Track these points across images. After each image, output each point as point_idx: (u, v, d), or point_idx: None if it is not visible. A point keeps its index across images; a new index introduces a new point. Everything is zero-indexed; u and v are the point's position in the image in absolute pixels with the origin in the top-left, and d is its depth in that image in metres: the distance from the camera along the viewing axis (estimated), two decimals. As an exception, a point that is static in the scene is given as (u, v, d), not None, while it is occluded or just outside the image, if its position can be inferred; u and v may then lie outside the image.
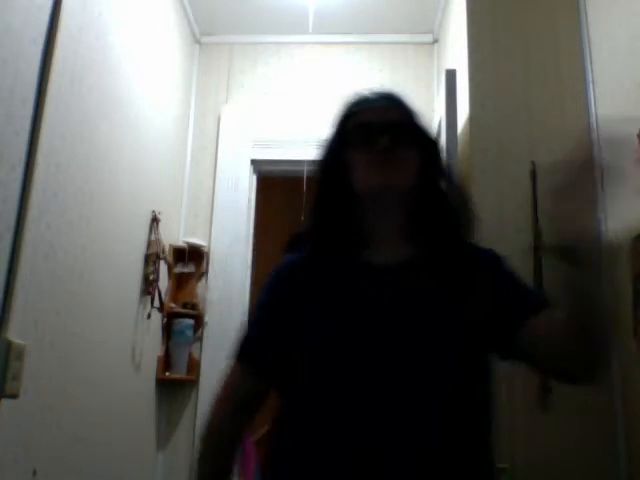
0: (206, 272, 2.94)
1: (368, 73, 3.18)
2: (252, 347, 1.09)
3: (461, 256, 1.06)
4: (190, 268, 2.89)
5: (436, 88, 3.05)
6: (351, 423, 0.92)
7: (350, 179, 1.05)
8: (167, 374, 2.74)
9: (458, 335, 0.96)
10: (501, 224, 2.13)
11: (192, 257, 2.89)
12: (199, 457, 1.07)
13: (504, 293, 1.01)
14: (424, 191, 1.06)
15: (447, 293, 1.00)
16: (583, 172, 0.87)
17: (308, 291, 1.03)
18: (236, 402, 1.08)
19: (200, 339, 2.86)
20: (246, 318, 1.13)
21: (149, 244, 2.52)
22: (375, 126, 1.04)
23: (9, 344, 1.41)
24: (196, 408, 2.79)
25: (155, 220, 2.56)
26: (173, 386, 2.80)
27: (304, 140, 3.03)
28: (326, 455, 0.92)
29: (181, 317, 2.80)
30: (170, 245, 2.83)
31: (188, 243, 2.90)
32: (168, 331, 2.78)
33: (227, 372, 1.10)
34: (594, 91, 2.22)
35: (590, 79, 2.24)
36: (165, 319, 2.76)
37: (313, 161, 1.15)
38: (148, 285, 2.49)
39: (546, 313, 0.97)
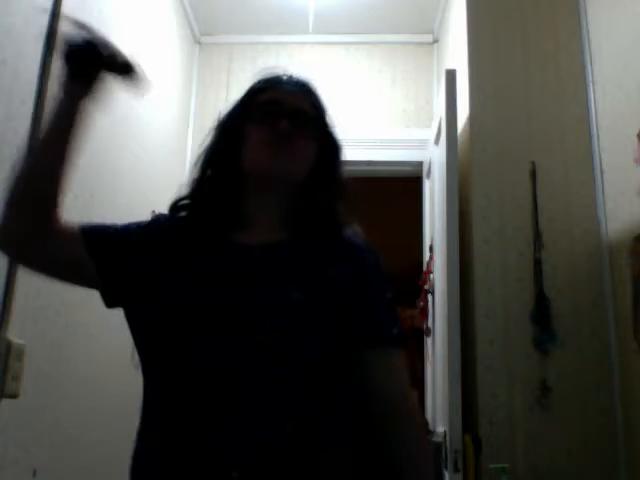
0: (206, 272, 2.93)
1: (368, 73, 3.18)
2: (96, 226, 1.04)
3: (327, 246, 1.02)
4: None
5: (436, 88, 3.05)
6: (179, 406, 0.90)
7: (240, 154, 1.02)
8: (167, 374, 2.73)
9: (296, 323, 0.91)
10: (501, 224, 2.13)
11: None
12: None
13: (354, 306, 0.97)
14: (311, 185, 1.04)
15: (300, 278, 0.96)
16: None
17: (167, 252, 1.00)
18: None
19: (200, 339, 2.86)
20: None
21: (149, 244, 2.52)
22: (282, 107, 1.01)
23: (9, 344, 1.41)
24: (196, 408, 2.79)
25: (155, 220, 2.56)
26: (173, 386, 2.80)
27: (304, 140, 3.03)
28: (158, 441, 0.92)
29: (181, 317, 2.79)
30: (170, 245, 2.83)
31: (188, 243, 2.90)
32: (168, 331, 2.77)
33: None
34: (594, 91, 2.22)
35: (590, 79, 2.24)
36: (165, 319, 2.75)
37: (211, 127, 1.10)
38: (148, 285, 2.49)
39: (381, 354, 0.97)
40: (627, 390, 1.92)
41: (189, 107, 3.14)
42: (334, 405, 0.92)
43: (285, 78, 1.09)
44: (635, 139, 1.84)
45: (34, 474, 1.55)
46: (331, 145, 1.08)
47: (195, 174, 1.08)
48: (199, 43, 3.27)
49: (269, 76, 1.10)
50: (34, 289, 1.56)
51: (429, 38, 3.20)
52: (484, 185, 2.17)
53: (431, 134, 2.63)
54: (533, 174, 2.17)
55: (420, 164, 2.90)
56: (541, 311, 2.02)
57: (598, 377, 1.98)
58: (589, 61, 2.26)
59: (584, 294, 2.06)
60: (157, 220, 1.10)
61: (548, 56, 2.31)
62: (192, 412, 0.89)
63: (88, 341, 1.91)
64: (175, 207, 1.09)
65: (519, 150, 2.21)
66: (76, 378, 1.82)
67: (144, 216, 2.74)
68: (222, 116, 1.10)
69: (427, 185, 2.78)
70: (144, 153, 2.47)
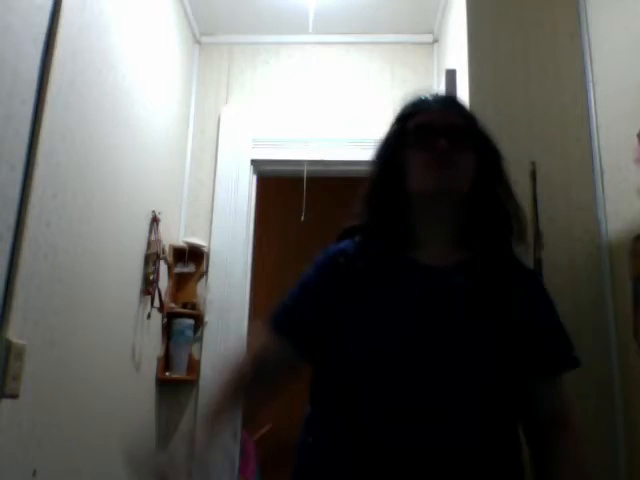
0: (206, 272, 2.93)
1: (368, 73, 3.18)
2: (290, 319, 1.07)
3: (508, 270, 1.06)
4: (190, 268, 2.89)
5: (436, 88, 3.04)
6: (383, 416, 0.93)
7: (405, 179, 1.05)
8: (167, 374, 2.73)
9: (491, 346, 0.96)
10: (501, 224, 2.13)
11: (192, 257, 2.89)
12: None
13: (539, 334, 1.03)
14: (479, 196, 1.06)
15: (486, 303, 1.00)
16: None
17: (355, 282, 1.03)
18: (264, 363, 1.06)
19: (200, 339, 2.86)
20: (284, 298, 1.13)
21: (149, 244, 2.52)
22: (434, 128, 1.04)
23: (9, 344, 1.41)
24: (196, 408, 2.79)
25: (155, 220, 2.56)
26: (173, 386, 2.80)
27: (304, 140, 3.03)
28: (351, 456, 0.93)
29: (181, 317, 2.79)
30: (170, 245, 2.83)
31: (188, 243, 2.90)
32: (168, 331, 2.77)
33: (260, 338, 1.09)
34: (594, 91, 2.22)
35: (590, 79, 2.24)
36: (165, 319, 2.76)
37: (370, 161, 1.13)
38: (148, 285, 2.49)
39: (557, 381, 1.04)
40: (627, 390, 1.92)
41: (189, 107, 3.14)
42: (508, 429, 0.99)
43: (429, 98, 1.12)
44: (635, 139, 1.84)
45: (34, 474, 1.55)
46: (489, 152, 1.11)
47: (364, 206, 1.11)
48: (199, 43, 3.27)
49: (414, 100, 1.13)
50: (34, 289, 1.56)
51: (429, 38, 3.20)
52: (484, 185, 2.17)
53: (431, 134, 2.62)
54: (533, 174, 2.17)
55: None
56: (541, 311, 2.02)
57: (598, 377, 1.98)
58: (589, 61, 2.26)
59: (584, 294, 2.06)
60: (332, 257, 1.11)
61: (548, 56, 2.31)
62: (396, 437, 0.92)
63: (88, 341, 1.91)
64: (345, 235, 1.13)
65: (519, 150, 2.20)
66: (76, 378, 1.82)
67: (144, 216, 2.75)
68: (378, 147, 1.13)
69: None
70: (144, 153, 2.47)
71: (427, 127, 1.04)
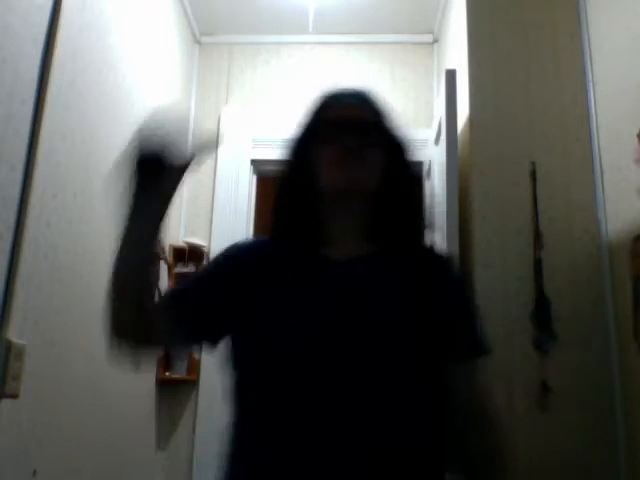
0: (206, 272, 2.93)
1: (368, 73, 3.18)
2: (179, 298, 1.06)
3: (417, 258, 1.06)
4: (190, 268, 2.89)
5: (436, 88, 3.05)
6: (295, 416, 0.91)
7: (314, 174, 1.05)
8: (167, 374, 2.73)
9: (406, 332, 0.95)
10: (501, 225, 2.13)
11: (192, 257, 2.89)
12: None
13: (453, 317, 1.02)
14: (387, 192, 1.06)
15: (398, 291, 0.99)
16: None
17: (260, 273, 1.02)
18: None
19: (200, 339, 2.86)
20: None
21: (149, 244, 2.52)
22: (343, 124, 1.03)
23: (9, 344, 1.41)
24: (196, 408, 2.79)
25: (155, 220, 2.56)
26: (173, 386, 2.80)
27: (304, 140, 3.03)
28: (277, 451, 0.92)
29: (181, 317, 2.79)
30: (170, 245, 2.83)
31: (188, 243, 2.90)
32: (168, 331, 2.77)
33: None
34: (594, 91, 2.22)
35: (590, 79, 2.24)
36: (165, 319, 2.75)
37: (281, 156, 1.13)
38: (148, 285, 2.48)
39: (470, 365, 1.03)
40: (627, 390, 1.92)
41: (189, 107, 3.14)
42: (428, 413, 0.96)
43: (342, 93, 1.11)
44: (635, 139, 1.84)
45: (34, 474, 1.55)
46: (397, 148, 1.09)
47: (276, 200, 1.10)
48: (199, 43, 3.27)
49: (327, 94, 1.12)
50: (34, 289, 1.56)
51: (429, 38, 3.20)
52: (484, 185, 2.17)
53: (431, 134, 2.63)
54: (533, 174, 2.17)
55: (420, 164, 2.89)
56: (541, 311, 2.02)
57: (598, 377, 1.98)
58: (589, 61, 2.26)
59: (584, 294, 2.06)
60: (239, 247, 1.12)
61: (548, 56, 2.31)
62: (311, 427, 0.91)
63: (88, 341, 1.91)
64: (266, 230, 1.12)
65: (519, 150, 2.21)
66: (76, 378, 1.82)
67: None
68: (289, 143, 1.12)
69: (427, 185, 2.78)
70: (144, 153, 2.47)
71: (335, 123, 1.04)
